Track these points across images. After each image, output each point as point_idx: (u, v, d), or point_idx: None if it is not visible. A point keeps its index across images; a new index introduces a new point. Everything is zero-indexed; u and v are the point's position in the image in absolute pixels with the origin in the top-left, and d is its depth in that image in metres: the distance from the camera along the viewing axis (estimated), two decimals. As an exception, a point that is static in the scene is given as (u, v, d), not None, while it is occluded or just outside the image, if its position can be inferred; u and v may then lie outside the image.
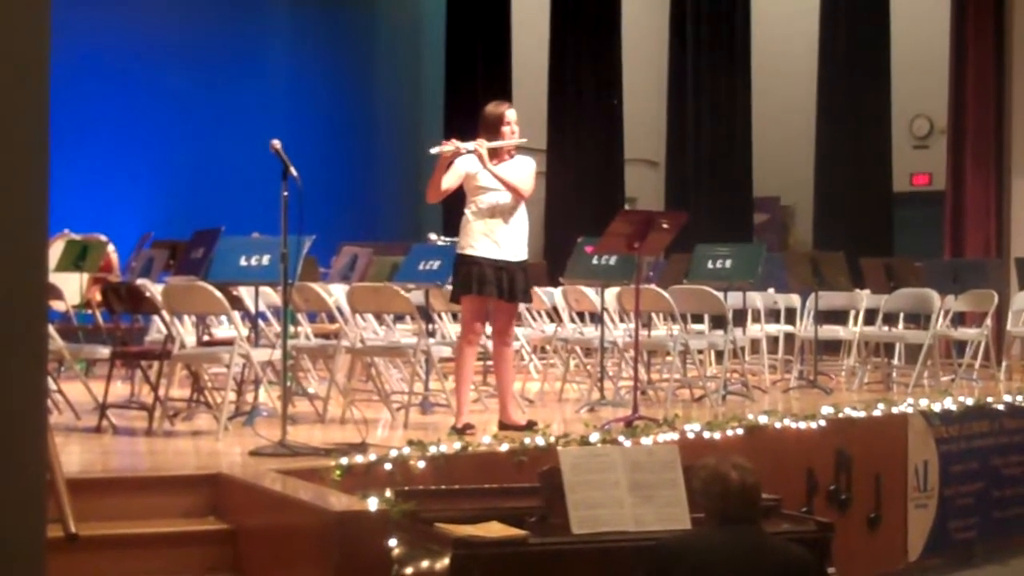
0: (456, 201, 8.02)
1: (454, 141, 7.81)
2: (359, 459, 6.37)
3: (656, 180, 18.56)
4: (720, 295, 9.83)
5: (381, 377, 9.27)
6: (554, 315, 11.22)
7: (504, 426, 7.80)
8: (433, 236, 11.23)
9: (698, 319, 11.59)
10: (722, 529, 4.60)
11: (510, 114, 7.88)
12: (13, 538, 2.76)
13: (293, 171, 6.93)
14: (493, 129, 7.82)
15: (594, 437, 7.33)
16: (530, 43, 16.91)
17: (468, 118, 8.19)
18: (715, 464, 4.70)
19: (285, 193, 6.95)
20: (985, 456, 9.60)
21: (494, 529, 5.16)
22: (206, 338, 9.30)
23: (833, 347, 12.78)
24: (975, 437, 9.53)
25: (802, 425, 8.38)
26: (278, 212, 6.99)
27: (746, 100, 17.85)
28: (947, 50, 15.91)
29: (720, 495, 4.60)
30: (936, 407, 9.26)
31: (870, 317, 11.77)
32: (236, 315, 8.52)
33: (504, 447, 6.99)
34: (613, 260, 9.62)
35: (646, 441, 7.34)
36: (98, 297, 10.40)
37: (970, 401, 9.61)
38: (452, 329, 10.13)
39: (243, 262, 8.14)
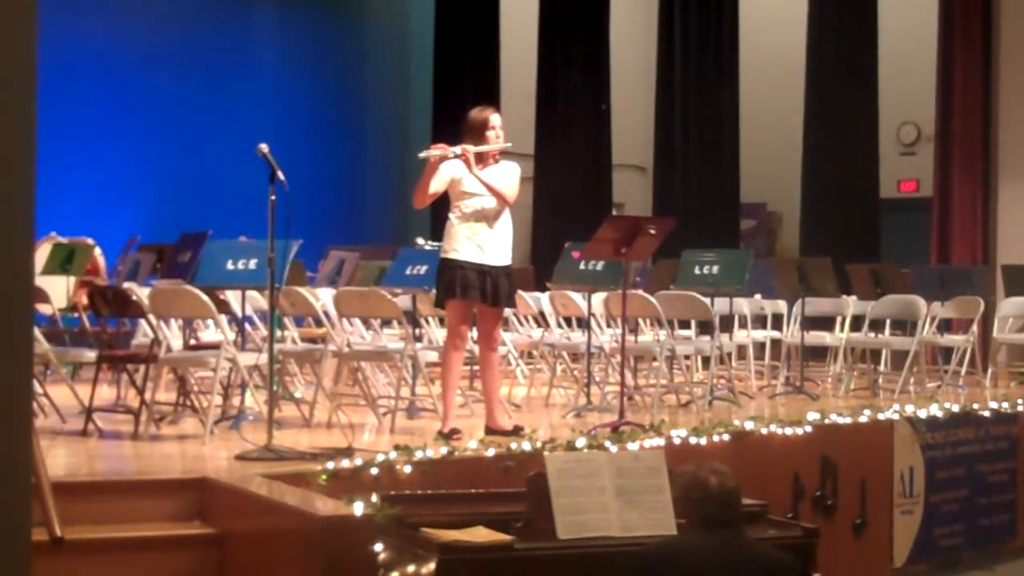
0: (444, 206, 8.01)
1: (442, 145, 7.81)
2: (345, 464, 6.36)
3: (644, 186, 18.57)
4: (707, 301, 9.83)
5: (368, 381, 9.27)
6: (541, 320, 11.21)
7: (490, 431, 7.79)
8: (421, 241, 11.22)
9: (685, 325, 11.59)
10: (705, 534, 4.61)
11: (494, 119, 7.87)
12: (-2, 541, 2.75)
13: (280, 175, 6.92)
14: (478, 134, 7.81)
15: (580, 442, 7.32)
16: (518, 48, 16.91)
17: (456, 123, 8.19)
18: (694, 470, 4.73)
19: (272, 197, 6.95)
20: (971, 462, 9.61)
21: (480, 534, 5.15)
22: (193, 342, 9.30)
23: (819, 353, 12.78)
24: (961, 444, 9.55)
25: (788, 431, 8.38)
26: (265, 216, 6.99)
27: (734, 106, 17.85)
28: (935, 57, 15.93)
29: (700, 500, 4.62)
30: (922, 413, 9.26)
31: (856, 323, 11.78)
32: (223, 319, 8.51)
33: (490, 452, 6.99)
34: (600, 265, 9.63)
35: (632, 446, 7.33)
36: (85, 300, 10.36)
37: (956, 408, 9.62)
38: (439, 334, 10.12)
39: (230, 266, 8.14)
